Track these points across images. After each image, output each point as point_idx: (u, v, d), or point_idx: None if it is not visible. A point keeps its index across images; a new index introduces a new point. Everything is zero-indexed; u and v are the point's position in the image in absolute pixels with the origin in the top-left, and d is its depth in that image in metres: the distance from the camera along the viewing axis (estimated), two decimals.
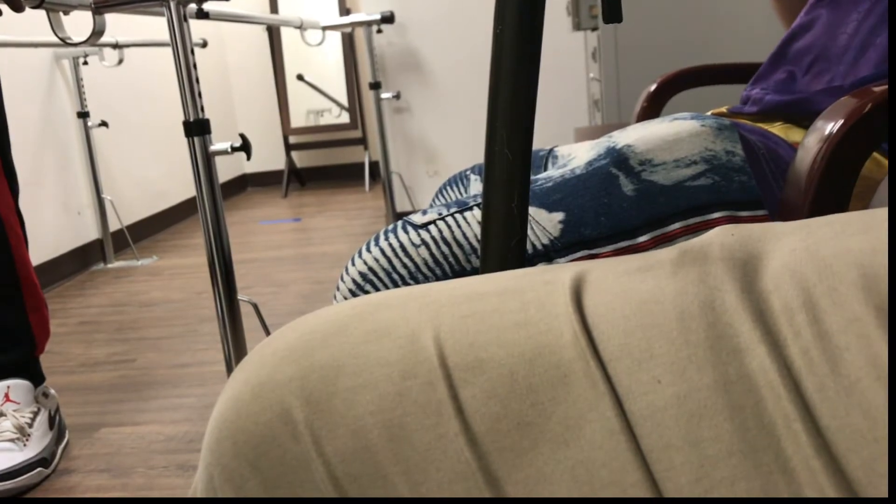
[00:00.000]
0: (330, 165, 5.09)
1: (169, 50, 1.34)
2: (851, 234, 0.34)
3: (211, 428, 0.38)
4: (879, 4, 0.86)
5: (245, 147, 1.36)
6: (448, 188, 1.14)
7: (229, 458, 0.36)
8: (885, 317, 0.30)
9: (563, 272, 0.39)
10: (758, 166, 0.78)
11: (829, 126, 0.67)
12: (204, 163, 1.36)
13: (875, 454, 0.28)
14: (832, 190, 0.67)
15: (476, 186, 1.06)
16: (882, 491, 0.28)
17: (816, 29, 0.94)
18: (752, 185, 0.76)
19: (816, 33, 0.93)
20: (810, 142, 0.68)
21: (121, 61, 3.21)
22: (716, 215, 0.75)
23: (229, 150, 1.36)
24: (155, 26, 3.07)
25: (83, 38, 1.34)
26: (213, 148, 1.36)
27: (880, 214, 0.35)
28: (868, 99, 0.66)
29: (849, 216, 0.37)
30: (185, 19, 1.34)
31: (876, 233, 0.34)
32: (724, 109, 1.03)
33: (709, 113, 1.02)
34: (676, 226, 0.75)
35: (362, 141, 4.81)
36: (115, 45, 3.05)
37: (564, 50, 3.13)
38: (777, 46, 0.98)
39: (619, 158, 0.77)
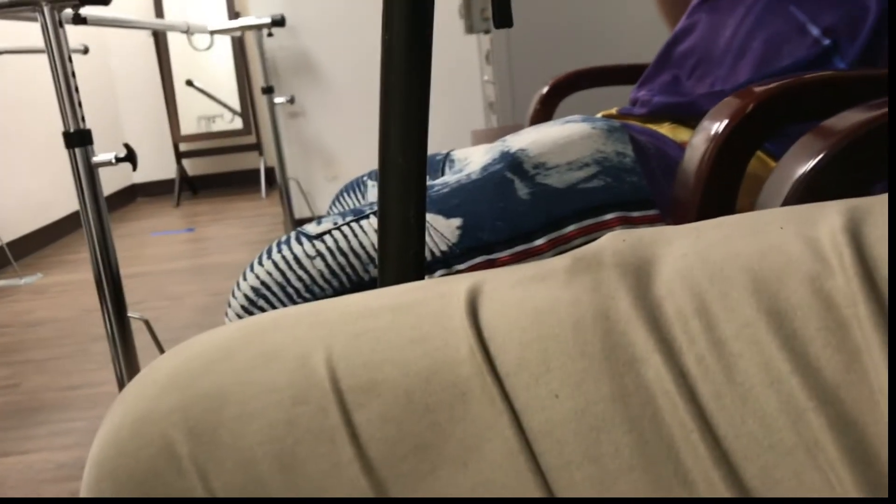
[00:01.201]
0: (224, 172, 4.96)
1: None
2: (740, 237, 0.34)
3: (90, 466, 0.35)
4: (755, 9, 0.88)
5: (130, 157, 1.30)
6: (345, 195, 1.12)
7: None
8: (776, 321, 0.30)
9: (458, 283, 0.38)
10: (648, 166, 0.79)
11: (715, 126, 0.68)
12: (87, 175, 1.30)
13: (769, 462, 0.28)
14: (720, 187, 0.69)
15: (373, 193, 1.04)
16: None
17: (697, 32, 0.96)
18: (642, 184, 0.77)
19: (697, 37, 0.96)
20: (697, 141, 0.70)
21: None
22: (609, 216, 0.76)
23: (113, 160, 1.30)
24: (33, 31, 2.93)
25: None
26: (95, 159, 1.30)
27: (767, 217, 0.36)
28: (750, 99, 0.68)
29: (736, 219, 0.37)
30: (61, 25, 1.28)
31: (763, 236, 0.34)
32: (613, 111, 1.05)
33: (599, 114, 1.03)
34: (572, 228, 0.75)
35: (257, 146, 4.71)
36: None
37: (459, 53, 3.14)
38: (661, 49, 1.00)
39: (513, 163, 0.77)
